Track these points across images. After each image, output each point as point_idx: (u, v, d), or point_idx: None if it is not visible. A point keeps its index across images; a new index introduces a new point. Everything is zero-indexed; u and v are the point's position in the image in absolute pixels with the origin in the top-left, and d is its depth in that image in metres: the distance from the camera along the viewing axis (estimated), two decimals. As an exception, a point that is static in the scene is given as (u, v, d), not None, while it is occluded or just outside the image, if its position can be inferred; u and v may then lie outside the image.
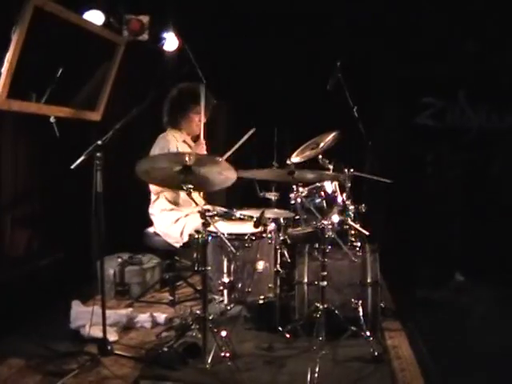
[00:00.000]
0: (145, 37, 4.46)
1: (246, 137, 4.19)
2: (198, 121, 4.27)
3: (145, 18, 4.43)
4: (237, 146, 4.23)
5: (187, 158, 3.08)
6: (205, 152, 4.29)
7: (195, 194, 3.31)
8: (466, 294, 4.65)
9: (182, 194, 4.10)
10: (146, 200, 4.24)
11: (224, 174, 3.25)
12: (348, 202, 3.80)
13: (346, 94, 4.15)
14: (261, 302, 3.55)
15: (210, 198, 4.36)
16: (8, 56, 3.54)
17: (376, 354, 3.36)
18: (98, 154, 3.21)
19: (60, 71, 4.04)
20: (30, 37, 3.60)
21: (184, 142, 4.28)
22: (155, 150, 4.12)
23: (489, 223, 5.28)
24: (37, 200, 4.50)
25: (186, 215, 4.10)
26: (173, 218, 4.12)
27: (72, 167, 3.24)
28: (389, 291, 4.49)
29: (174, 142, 4.16)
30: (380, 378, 3.17)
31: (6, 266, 4.07)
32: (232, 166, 3.21)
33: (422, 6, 5.06)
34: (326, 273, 3.38)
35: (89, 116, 4.65)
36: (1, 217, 4.12)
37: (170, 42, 4.69)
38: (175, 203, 4.17)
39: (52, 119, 4.09)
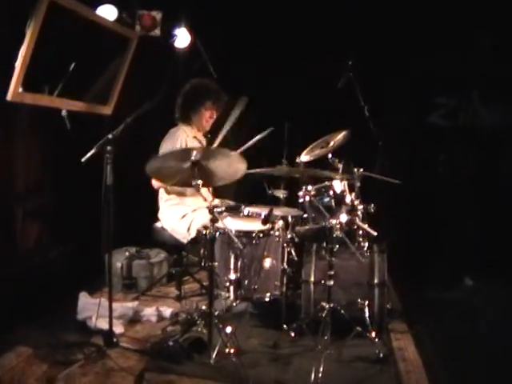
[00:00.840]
0: (157, 32, 4.47)
1: (262, 135, 4.21)
2: (209, 117, 4.29)
3: (157, 14, 4.44)
4: (252, 143, 4.24)
5: (194, 154, 3.07)
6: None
7: (203, 189, 3.29)
8: (476, 295, 4.62)
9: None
10: (155, 194, 4.26)
11: (233, 167, 3.24)
12: (357, 202, 3.79)
13: (357, 92, 4.14)
14: (267, 299, 3.56)
15: (218, 195, 4.35)
16: (22, 50, 3.56)
17: (381, 355, 3.35)
18: (109, 148, 3.24)
19: (72, 65, 4.06)
20: (43, 31, 3.61)
21: (194, 137, 4.29)
22: (164, 146, 4.14)
23: (501, 223, 5.23)
24: (47, 193, 4.52)
25: (194, 210, 4.12)
26: (180, 214, 4.14)
27: (82, 160, 3.26)
28: (396, 292, 4.48)
29: (184, 137, 4.17)
30: (385, 380, 3.17)
31: (17, 258, 4.11)
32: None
33: (435, 3, 5.02)
34: (333, 272, 3.38)
35: (100, 110, 4.67)
36: (12, 209, 4.15)
37: (182, 38, 4.70)
38: (183, 194, 4.18)
39: (63, 112, 4.11)
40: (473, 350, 3.51)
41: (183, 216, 4.13)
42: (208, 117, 4.29)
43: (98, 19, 4.16)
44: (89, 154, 3.25)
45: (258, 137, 4.24)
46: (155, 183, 4.13)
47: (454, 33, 5.10)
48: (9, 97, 3.62)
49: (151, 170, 3.18)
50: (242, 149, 4.16)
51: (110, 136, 3.25)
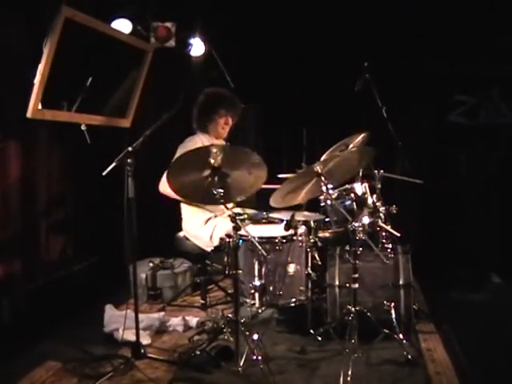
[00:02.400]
0: (172, 43, 4.52)
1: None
2: (224, 124, 4.31)
3: (171, 25, 4.48)
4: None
5: (214, 150, 3.05)
6: None
7: None
8: (503, 295, 4.56)
9: None
10: (177, 204, 4.28)
11: (254, 173, 3.23)
12: (378, 204, 3.77)
13: (374, 94, 4.12)
14: (292, 304, 3.55)
15: (241, 204, 4.34)
16: (40, 67, 3.62)
17: (410, 357, 3.31)
18: (129, 160, 3.24)
19: (90, 80, 4.11)
20: (60, 47, 3.68)
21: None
22: (180, 151, 4.14)
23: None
24: (70, 206, 4.59)
25: (215, 216, 4.13)
26: (202, 220, 4.16)
27: (104, 174, 3.29)
28: (422, 293, 4.44)
29: (199, 144, 4.17)
30: (415, 382, 3.13)
31: (42, 271, 4.16)
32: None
33: (452, 1, 4.98)
34: (357, 275, 3.34)
35: (119, 123, 4.72)
36: (36, 222, 4.21)
37: (197, 47, 4.74)
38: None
39: (83, 127, 4.15)
40: (501, 349, 3.47)
41: (206, 222, 4.15)
42: (223, 123, 4.31)
43: (113, 33, 4.21)
44: (110, 167, 3.28)
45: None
46: (163, 188, 4.05)
47: (472, 30, 5.05)
48: (29, 114, 3.68)
49: (171, 179, 3.20)
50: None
51: (129, 149, 3.26)
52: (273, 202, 3.54)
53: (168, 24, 4.50)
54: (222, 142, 4.43)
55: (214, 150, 3.06)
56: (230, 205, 4.06)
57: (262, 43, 5.28)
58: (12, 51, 3.77)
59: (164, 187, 3.98)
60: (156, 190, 4.11)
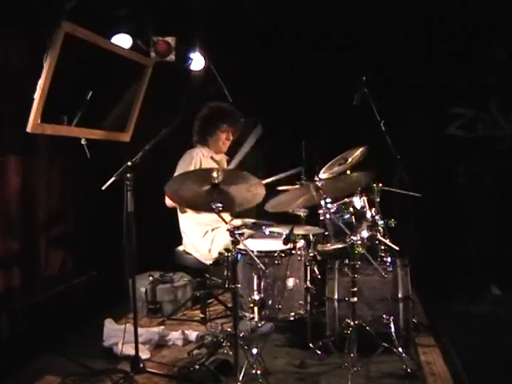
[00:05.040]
0: (172, 57, 4.53)
1: (290, 172, 4.23)
2: (225, 139, 4.33)
3: (171, 40, 4.50)
4: (277, 178, 4.28)
5: (215, 175, 3.08)
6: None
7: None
8: (503, 307, 4.56)
9: None
10: (176, 218, 4.29)
11: (252, 192, 3.25)
12: (377, 217, 3.78)
13: (372, 108, 4.14)
14: (291, 318, 3.55)
15: (240, 215, 4.36)
16: (40, 82, 3.64)
17: (409, 370, 3.32)
18: (129, 175, 3.27)
19: (90, 94, 4.13)
20: (60, 62, 3.70)
21: (211, 158, 4.32)
22: (179, 167, 4.17)
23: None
24: (70, 220, 4.59)
25: (213, 229, 4.16)
26: (200, 233, 4.18)
27: (103, 188, 3.30)
28: (422, 306, 4.44)
29: (199, 157, 4.21)
30: (414, 395, 3.14)
31: (41, 285, 4.16)
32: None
33: (449, 12, 5.00)
34: (356, 289, 3.35)
35: (119, 137, 4.73)
36: (36, 237, 4.21)
37: (197, 61, 4.77)
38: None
39: (83, 141, 4.16)
40: (500, 361, 3.47)
41: (204, 234, 4.17)
42: (224, 139, 4.32)
43: (113, 48, 4.24)
44: (109, 182, 3.30)
45: (285, 174, 4.30)
46: (169, 202, 4.08)
47: (469, 43, 5.08)
48: (29, 128, 3.69)
49: (170, 192, 3.22)
50: (267, 181, 4.15)
51: (129, 163, 3.29)
52: (268, 207, 3.64)
53: (168, 38, 4.52)
54: (222, 156, 4.45)
55: (215, 175, 3.07)
56: (227, 218, 4.07)
57: (260, 56, 5.30)
58: (12, 66, 3.80)
59: (170, 201, 4.03)
60: (155, 204, 4.12)
